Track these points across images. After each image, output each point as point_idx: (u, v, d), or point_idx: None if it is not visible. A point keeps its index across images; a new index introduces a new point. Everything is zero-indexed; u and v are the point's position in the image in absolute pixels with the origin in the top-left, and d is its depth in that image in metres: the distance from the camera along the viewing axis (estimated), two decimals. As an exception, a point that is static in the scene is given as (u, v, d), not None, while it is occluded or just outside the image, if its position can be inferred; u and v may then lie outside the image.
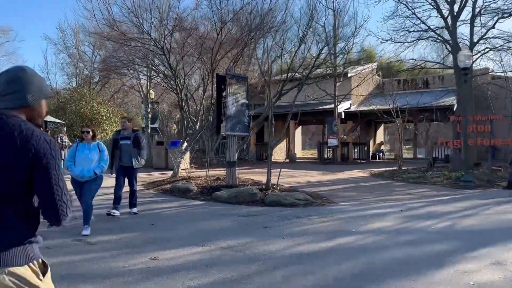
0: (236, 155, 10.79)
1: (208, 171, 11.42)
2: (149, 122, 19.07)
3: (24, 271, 1.55)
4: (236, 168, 10.77)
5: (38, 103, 1.71)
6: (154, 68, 13.51)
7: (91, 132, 6.37)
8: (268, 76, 10.11)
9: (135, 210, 7.61)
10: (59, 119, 27.65)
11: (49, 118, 27.09)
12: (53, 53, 51.91)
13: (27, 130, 1.58)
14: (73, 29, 35.74)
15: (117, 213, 7.20)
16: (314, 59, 10.89)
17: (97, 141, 6.45)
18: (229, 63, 13.34)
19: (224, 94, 10.45)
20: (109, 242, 5.67)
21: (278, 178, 10.14)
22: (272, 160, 23.37)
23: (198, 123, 14.49)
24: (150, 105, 19.17)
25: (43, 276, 1.62)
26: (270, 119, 9.97)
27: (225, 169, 10.97)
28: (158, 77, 15.19)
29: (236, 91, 10.57)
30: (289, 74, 12.69)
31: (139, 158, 7.32)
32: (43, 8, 62.95)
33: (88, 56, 42.85)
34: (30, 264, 1.58)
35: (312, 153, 30.99)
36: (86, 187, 6.13)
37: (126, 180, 7.55)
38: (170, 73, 12.45)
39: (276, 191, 9.66)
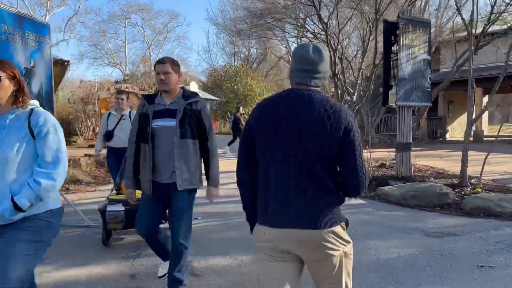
0: (411, 134, 7.70)
1: (370, 152, 8.64)
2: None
3: (339, 229, 1.71)
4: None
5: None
6: (302, 25, 11.12)
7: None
8: (473, 10, 6.58)
9: None
10: (215, 96, 28.23)
11: (206, 95, 27.83)
12: (214, 33, 54.82)
13: (335, 105, 1.68)
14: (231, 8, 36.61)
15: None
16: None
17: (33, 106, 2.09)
18: (400, 8, 10.01)
19: (394, 48, 7.43)
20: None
21: (482, 169, 6.71)
22: (449, 138, 18.92)
23: (356, 94, 11.68)
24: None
25: (346, 228, 1.78)
26: (470, 81, 6.56)
27: (389, 150, 8.08)
28: (307, 38, 12.76)
29: (413, 43, 7.40)
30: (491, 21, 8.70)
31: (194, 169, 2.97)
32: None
33: (245, 33, 43.77)
34: (342, 224, 1.73)
35: (504, 130, 24.48)
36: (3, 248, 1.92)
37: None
38: (322, 30, 9.87)
39: (479, 190, 6.33)
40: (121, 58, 45.04)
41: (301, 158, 1.66)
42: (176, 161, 2.86)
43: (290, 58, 17.70)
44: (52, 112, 4.97)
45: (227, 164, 11.16)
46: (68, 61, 10.98)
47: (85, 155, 10.30)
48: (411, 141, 7.58)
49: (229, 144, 13.82)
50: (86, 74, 65.41)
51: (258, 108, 1.78)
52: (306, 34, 12.31)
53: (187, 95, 2.97)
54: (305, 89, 1.71)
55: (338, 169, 1.72)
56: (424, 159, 10.31)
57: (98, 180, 8.55)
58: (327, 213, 1.67)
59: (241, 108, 16.16)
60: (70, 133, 18.07)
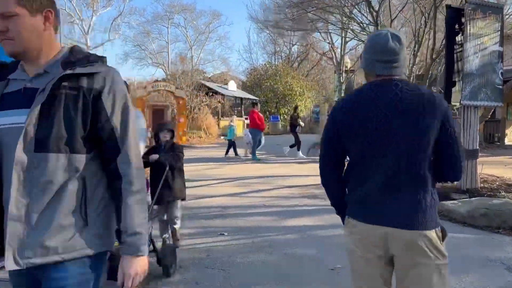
0: (478, 140, 6.55)
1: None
2: (342, 94, 15.92)
3: (433, 235, 1.59)
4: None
5: None
6: (348, 16, 10.13)
7: None
8: None
9: None
10: (254, 95, 27.55)
11: (244, 94, 27.24)
12: (255, 32, 54.32)
13: (428, 92, 1.63)
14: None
15: None
16: None
17: None
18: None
19: (459, 39, 6.35)
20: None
21: None
22: (508, 143, 17.13)
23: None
24: (344, 75, 15.93)
25: (443, 240, 1.64)
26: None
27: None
28: (353, 32, 11.73)
29: (482, 32, 6.27)
30: None
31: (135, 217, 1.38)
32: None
33: (286, 25, 42.80)
34: (436, 229, 1.61)
35: None
36: None
37: None
38: (370, 22, 8.86)
39: None
40: (164, 58, 45.55)
41: (398, 154, 1.59)
42: (16, 202, 1.26)
43: (334, 54, 16.56)
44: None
45: (260, 168, 10.36)
46: (104, 57, 10.62)
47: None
48: (477, 147, 6.46)
49: (298, 149, 12.19)
50: (131, 74, 67.10)
51: (344, 102, 1.71)
52: (352, 26, 11.28)
53: (75, 59, 1.37)
54: (390, 80, 1.63)
55: (435, 156, 1.65)
56: (486, 167, 9.03)
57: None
58: (420, 214, 1.58)
59: (298, 108, 14.19)
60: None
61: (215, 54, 53.63)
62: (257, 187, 7.59)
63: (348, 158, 1.75)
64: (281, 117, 26.40)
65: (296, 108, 13.67)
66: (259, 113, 11.91)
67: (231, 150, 12.35)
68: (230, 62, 55.45)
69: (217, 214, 5.57)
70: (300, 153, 12.18)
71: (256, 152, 12.32)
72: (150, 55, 45.44)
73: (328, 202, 1.92)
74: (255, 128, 11.64)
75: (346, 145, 1.68)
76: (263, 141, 11.87)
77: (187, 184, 4.28)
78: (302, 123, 12.86)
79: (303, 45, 30.48)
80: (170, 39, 45.65)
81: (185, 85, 19.82)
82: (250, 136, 11.82)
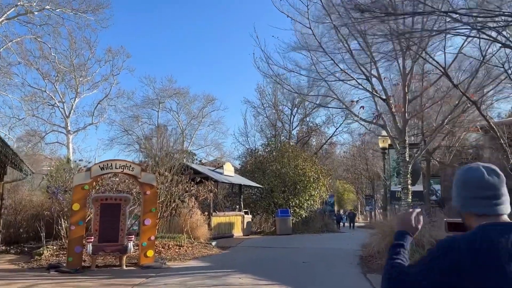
0: None
1: None
2: (409, 180, 10.06)
3: None
4: None
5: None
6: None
7: None
8: None
9: None
10: (256, 182, 21.74)
11: (243, 181, 21.51)
12: (252, 115, 50.20)
13: None
14: (272, 88, 31.80)
15: None
16: None
17: None
18: None
19: None
20: None
21: None
22: None
23: None
24: (406, 150, 10.23)
25: None
26: None
27: None
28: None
29: None
30: None
31: None
32: (244, 74, 65.46)
33: (286, 116, 38.78)
34: None
35: None
36: None
37: None
38: None
39: None
40: (153, 144, 40.66)
41: None
42: None
43: (392, 117, 10.61)
44: None
45: None
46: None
47: None
48: None
49: None
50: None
51: (470, 243, 1.37)
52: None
53: None
54: (503, 223, 1.42)
55: None
56: None
57: None
58: None
59: None
60: (40, 239, 11.77)
61: (208, 139, 48.47)
62: None
63: None
64: (292, 211, 20.33)
65: None
66: None
67: None
68: (224, 148, 50.62)
69: None
70: None
71: None
72: (138, 140, 40.85)
73: None
74: None
75: None
76: None
77: None
78: None
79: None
80: (161, 123, 41.32)
81: (163, 169, 14.04)
82: None
